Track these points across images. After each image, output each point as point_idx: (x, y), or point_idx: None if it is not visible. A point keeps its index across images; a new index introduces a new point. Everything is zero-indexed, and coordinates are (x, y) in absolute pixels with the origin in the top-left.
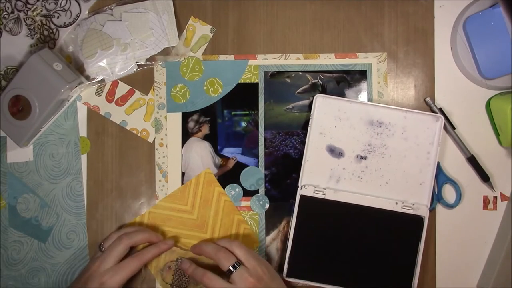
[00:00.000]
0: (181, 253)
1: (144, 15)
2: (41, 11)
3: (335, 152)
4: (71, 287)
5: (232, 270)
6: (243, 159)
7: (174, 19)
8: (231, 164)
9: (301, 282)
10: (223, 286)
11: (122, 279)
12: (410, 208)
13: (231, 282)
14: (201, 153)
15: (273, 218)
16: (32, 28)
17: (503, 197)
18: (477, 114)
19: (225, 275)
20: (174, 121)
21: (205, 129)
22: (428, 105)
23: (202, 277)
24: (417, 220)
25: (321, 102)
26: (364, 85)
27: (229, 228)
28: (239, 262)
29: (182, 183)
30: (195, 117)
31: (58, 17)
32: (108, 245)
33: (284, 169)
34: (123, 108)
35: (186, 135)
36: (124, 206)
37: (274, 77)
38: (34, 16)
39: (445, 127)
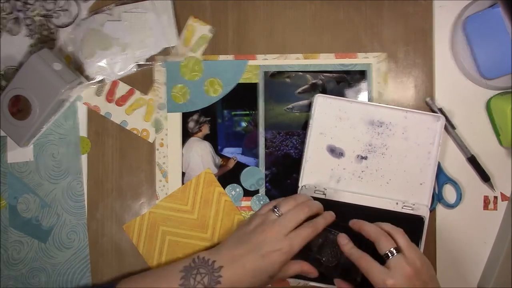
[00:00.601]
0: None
1: (143, 15)
2: (40, 11)
3: (335, 152)
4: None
5: (390, 255)
6: (243, 159)
7: (174, 19)
8: (231, 164)
9: (301, 282)
10: (380, 270)
11: (302, 244)
12: (410, 208)
13: (387, 267)
14: (201, 153)
15: None
16: (31, 28)
17: (504, 197)
18: (477, 114)
19: (381, 259)
20: (174, 121)
21: (205, 129)
22: (428, 105)
23: (359, 259)
24: (417, 220)
25: (321, 102)
26: (364, 85)
27: (229, 228)
28: (398, 249)
29: (183, 183)
30: (195, 117)
31: (57, 17)
32: (286, 209)
33: (285, 169)
34: (123, 108)
35: (186, 135)
36: (124, 206)
37: (274, 77)
38: (33, 16)
39: (445, 127)
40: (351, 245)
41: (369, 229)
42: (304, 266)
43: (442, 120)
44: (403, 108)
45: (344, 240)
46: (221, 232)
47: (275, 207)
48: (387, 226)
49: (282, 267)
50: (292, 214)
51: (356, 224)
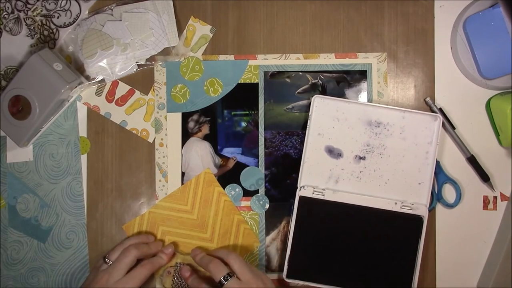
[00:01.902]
0: (180, 257)
1: (144, 15)
2: (41, 11)
3: (333, 152)
4: None
5: (223, 282)
6: (243, 159)
7: (174, 19)
8: (231, 164)
9: (300, 283)
10: None
11: (137, 285)
12: (409, 208)
13: None
14: (201, 153)
15: (273, 218)
16: (32, 28)
17: (503, 197)
18: (477, 114)
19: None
20: (174, 121)
21: (205, 129)
22: (428, 105)
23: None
24: (416, 220)
25: (319, 102)
26: (364, 85)
27: (229, 228)
28: (231, 274)
29: (182, 183)
30: (195, 117)
31: (58, 17)
32: (115, 257)
33: (284, 169)
34: (123, 108)
35: (186, 135)
36: (124, 206)
37: (274, 77)
38: (34, 16)
39: (445, 127)
40: (193, 276)
41: (201, 261)
42: None
43: (440, 120)
44: (401, 108)
45: (186, 273)
46: (220, 232)
47: (105, 257)
48: (221, 252)
49: None
50: (118, 260)
51: (194, 257)
